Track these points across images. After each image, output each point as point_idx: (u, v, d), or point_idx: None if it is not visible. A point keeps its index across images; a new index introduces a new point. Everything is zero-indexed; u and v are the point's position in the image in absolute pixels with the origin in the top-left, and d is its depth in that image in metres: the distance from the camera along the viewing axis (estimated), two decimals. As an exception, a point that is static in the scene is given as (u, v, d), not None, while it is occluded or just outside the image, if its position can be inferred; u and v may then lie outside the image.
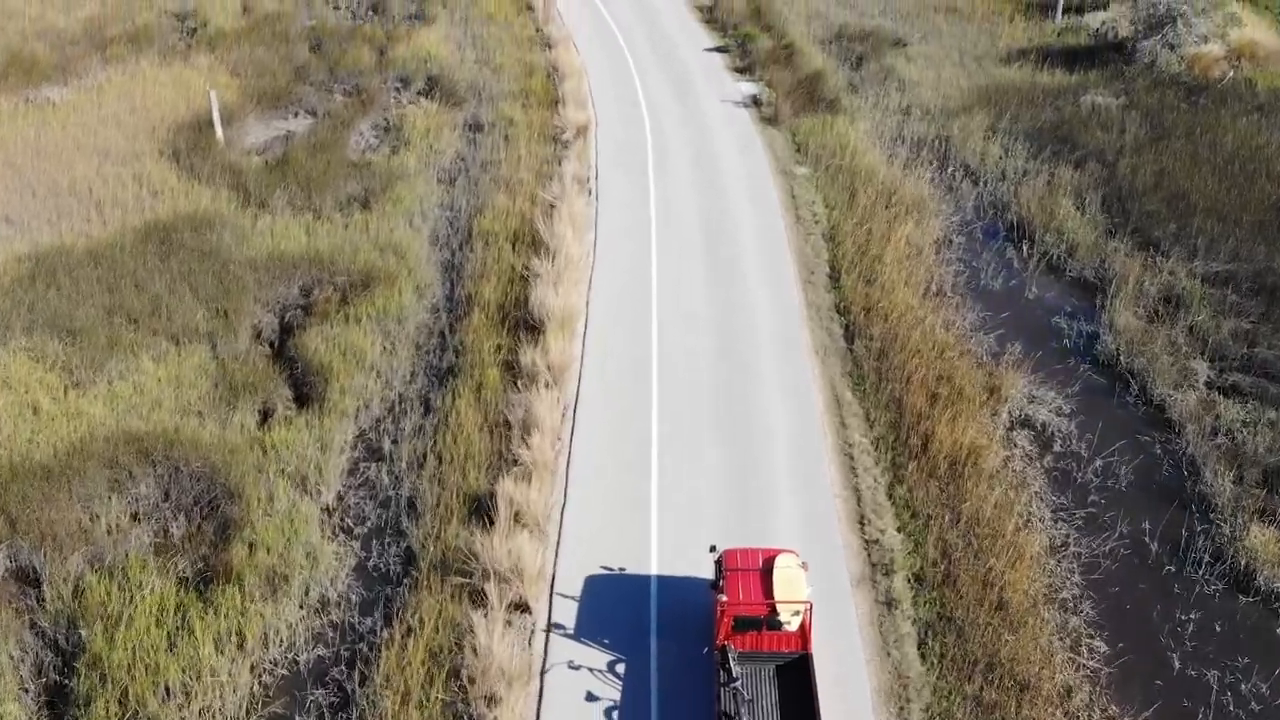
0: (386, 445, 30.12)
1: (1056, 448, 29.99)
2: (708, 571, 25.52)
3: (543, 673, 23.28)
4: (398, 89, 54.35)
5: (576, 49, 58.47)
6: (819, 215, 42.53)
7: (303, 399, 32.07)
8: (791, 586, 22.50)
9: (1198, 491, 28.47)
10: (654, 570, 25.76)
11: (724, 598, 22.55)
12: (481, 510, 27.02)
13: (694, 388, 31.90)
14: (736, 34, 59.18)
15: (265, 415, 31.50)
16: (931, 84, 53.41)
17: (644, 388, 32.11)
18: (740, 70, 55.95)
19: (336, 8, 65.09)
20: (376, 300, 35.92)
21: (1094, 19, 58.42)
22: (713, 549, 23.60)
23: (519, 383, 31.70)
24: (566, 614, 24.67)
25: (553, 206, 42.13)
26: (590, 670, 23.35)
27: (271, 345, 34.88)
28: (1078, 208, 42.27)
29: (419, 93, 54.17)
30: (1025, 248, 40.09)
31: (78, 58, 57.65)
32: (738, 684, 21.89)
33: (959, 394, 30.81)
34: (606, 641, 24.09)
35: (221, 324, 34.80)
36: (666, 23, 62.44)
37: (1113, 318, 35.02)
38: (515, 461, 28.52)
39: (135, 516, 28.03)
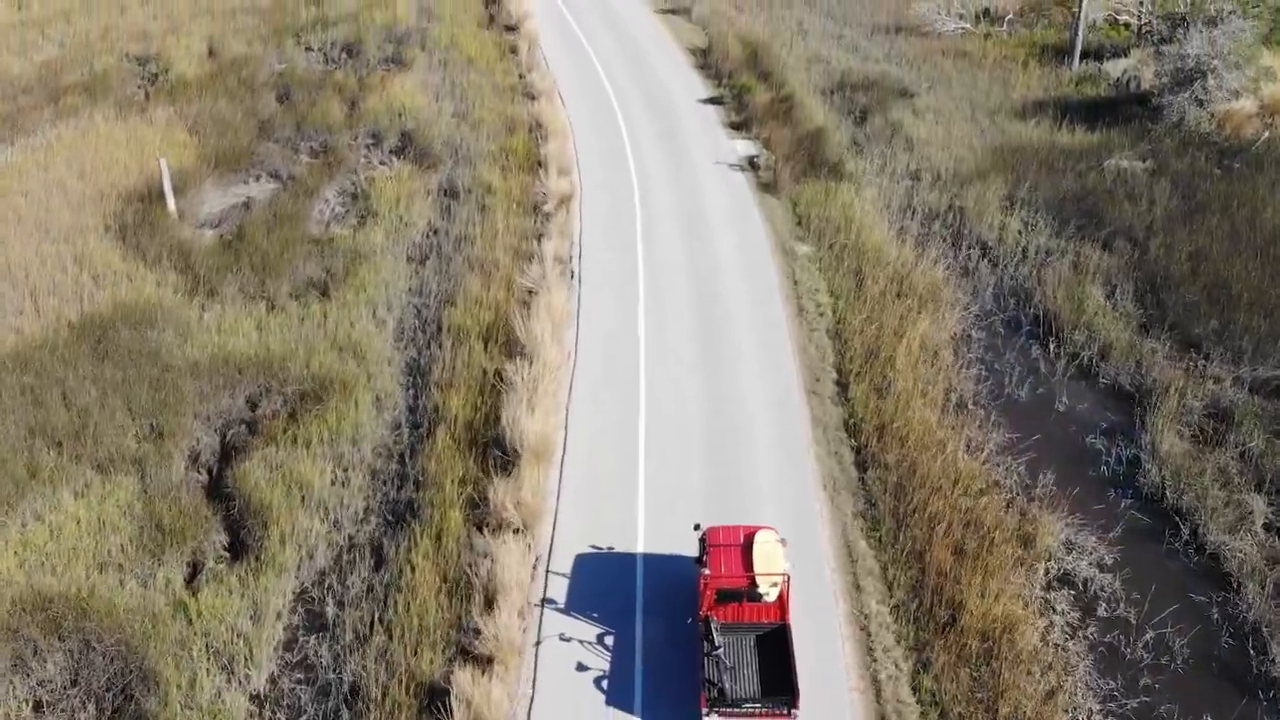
0: (330, 610, 26.25)
1: (1101, 612, 26.18)
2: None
3: None
4: (369, 147, 50.49)
5: (562, 100, 54.62)
6: (823, 305, 38.72)
7: (238, 546, 28.20)
8: (770, 560, 24.12)
9: (1264, 673, 24.67)
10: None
11: (707, 571, 24.16)
12: (435, 706, 23.16)
13: (684, 537, 28.04)
14: (732, 84, 55.34)
15: (194, 569, 27.64)
16: (942, 143, 49.61)
17: (627, 531, 28.28)
18: (736, 126, 52.11)
19: (309, 49, 61.20)
20: (330, 417, 32.07)
21: (1114, 67, 54.66)
22: (697, 527, 25.50)
23: (485, 526, 27.85)
24: None
25: (531, 293, 38.35)
26: None
27: (209, 473, 30.99)
28: (1108, 297, 38.51)
29: (392, 151, 50.33)
30: (1052, 346, 36.28)
31: (29, 109, 53.85)
32: (720, 652, 23.46)
33: (989, 545, 26.99)
34: None
35: (154, 447, 30.95)
36: (658, 67, 58.61)
37: (1154, 439, 31.21)
38: (476, 632, 24.68)
39: (38, 707, 24.19)
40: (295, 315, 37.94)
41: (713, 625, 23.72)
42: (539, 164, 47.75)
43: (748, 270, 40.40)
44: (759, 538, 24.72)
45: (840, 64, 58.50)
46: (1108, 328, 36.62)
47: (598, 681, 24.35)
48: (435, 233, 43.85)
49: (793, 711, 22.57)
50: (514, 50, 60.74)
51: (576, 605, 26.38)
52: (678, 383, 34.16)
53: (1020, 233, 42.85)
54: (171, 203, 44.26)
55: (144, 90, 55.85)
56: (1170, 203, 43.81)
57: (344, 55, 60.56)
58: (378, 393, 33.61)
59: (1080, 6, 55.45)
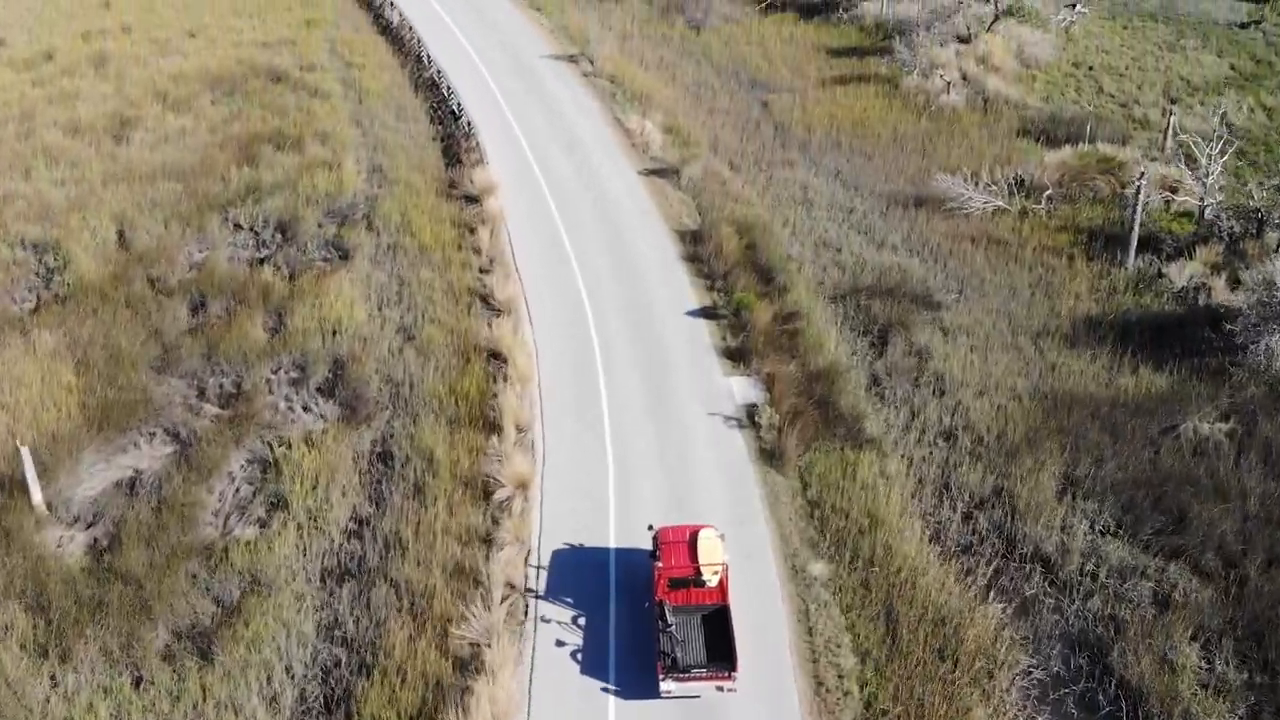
0: None
1: None
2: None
3: None
4: (292, 384, 42.12)
5: (529, 316, 46.13)
6: (846, 674, 30.24)
7: None
8: (711, 552, 29.91)
9: None
10: None
11: (660, 564, 29.77)
12: None
13: None
14: (728, 289, 46.95)
15: None
16: (979, 384, 41.30)
17: None
18: (732, 355, 43.66)
19: (238, 227, 52.82)
20: None
21: (1177, 272, 46.39)
22: (650, 527, 31.68)
23: None
24: None
25: (473, 653, 29.99)
26: None
27: None
28: (1204, 660, 30.18)
29: (319, 389, 41.94)
30: (1144, 752, 27.88)
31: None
32: (672, 629, 28.91)
33: None
34: None
35: None
36: (641, 261, 49.90)
37: None
38: None
39: None
40: (165, 691, 29.52)
41: (666, 608, 29.41)
42: (494, 422, 39.28)
43: (753, 612, 31.75)
44: (702, 534, 30.63)
45: (852, 253, 50.14)
46: (1209, 711, 28.30)
47: None
48: (360, 529, 35.48)
49: (732, 674, 28.38)
50: (471, 229, 52.30)
51: None
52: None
53: (1086, 536, 34.50)
54: (37, 494, 35.89)
55: (33, 297, 47.45)
56: (1264, 487, 35.58)
57: (277, 236, 52.14)
58: None
59: (1138, 196, 47.21)
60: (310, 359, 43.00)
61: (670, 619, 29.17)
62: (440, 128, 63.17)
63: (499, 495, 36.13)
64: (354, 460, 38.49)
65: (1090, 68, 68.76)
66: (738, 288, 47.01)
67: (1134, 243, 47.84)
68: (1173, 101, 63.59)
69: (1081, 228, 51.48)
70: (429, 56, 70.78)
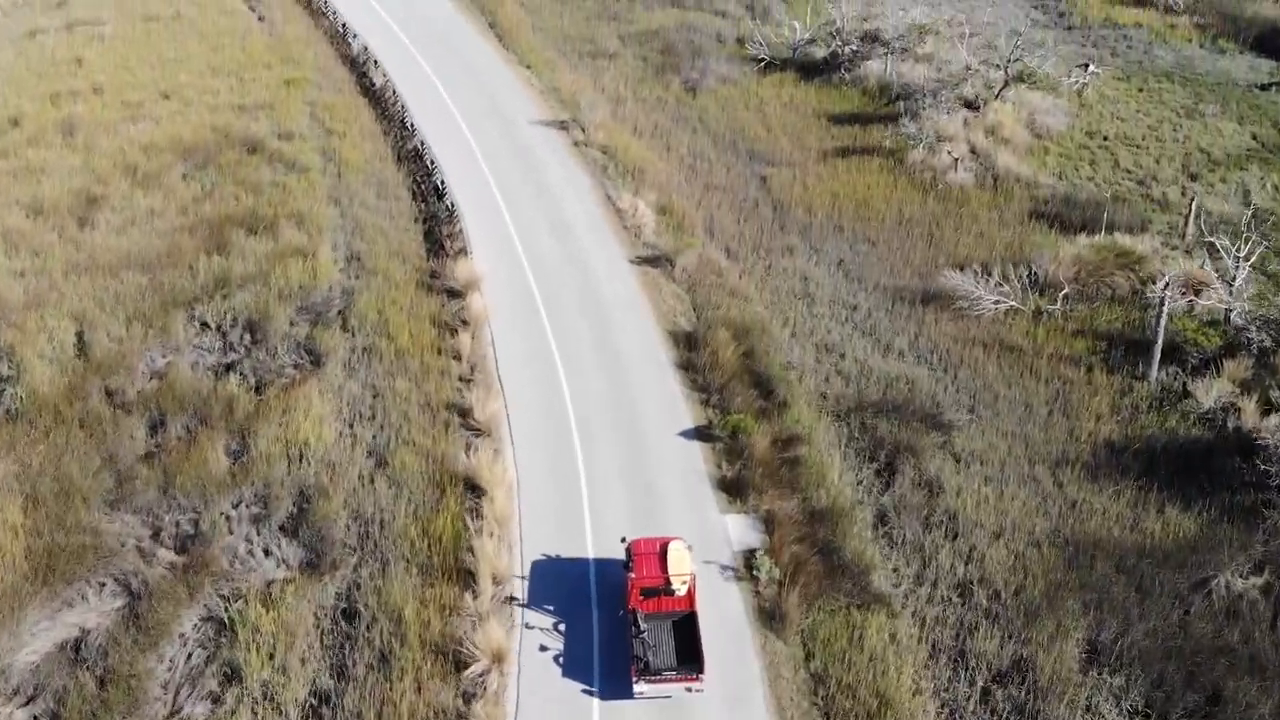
0: None
1: None
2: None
3: None
4: (254, 523, 39.12)
5: (510, 438, 43.11)
6: None
7: None
8: (680, 563, 32.74)
9: None
10: None
11: (633, 575, 32.71)
12: None
13: None
14: (724, 410, 43.89)
15: None
16: (994, 523, 38.38)
17: None
18: (728, 487, 40.62)
19: (204, 326, 49.81)
20: None
21: (1204, 391, 43.38)
22: (623, 540, 34.72)
23: None
24: None
25: None
26: None
27: None
28: None
29: (281, 528, 38.93)
30: None
31: None
32: (645, 635, 31.87)
33: None
34: None
35: None
36: (634, 372, 46.49)
37: None
38: None
39: None
40: None
41: (639, 616, 32.06)
42: (469, 576, 36.28)
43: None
44: (672, 546, 32.99)
45: (856, 359, 47.14)
46: None
47: None
48: (320, 707, 32.52)
49: (700, 675, 31.09)
50: (453, 330, 49.28)
51: None
52: None
53: (1115, 718, 31.51)
54: (-32, 665, 32.83)
55: (-19, 415, 44.45)
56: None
57: (246, 338, 49.10)
58: None
59: (1161, 309, 44.26)
60: (274, 491, 40.03)
61: (642, 625, 32.21)
62: (423, 205, 60.19)
63: (472, 670, 33.07)
64: (316, 618, 35.50)
65: (1105, 138, 65.74)
66: (734, 404, 44.00)
67: (1157, 355, 44.86)
68: (1193, 178, 60.64)
69: (1100, 332, 48.45)
70: (413, 124, 67.77)
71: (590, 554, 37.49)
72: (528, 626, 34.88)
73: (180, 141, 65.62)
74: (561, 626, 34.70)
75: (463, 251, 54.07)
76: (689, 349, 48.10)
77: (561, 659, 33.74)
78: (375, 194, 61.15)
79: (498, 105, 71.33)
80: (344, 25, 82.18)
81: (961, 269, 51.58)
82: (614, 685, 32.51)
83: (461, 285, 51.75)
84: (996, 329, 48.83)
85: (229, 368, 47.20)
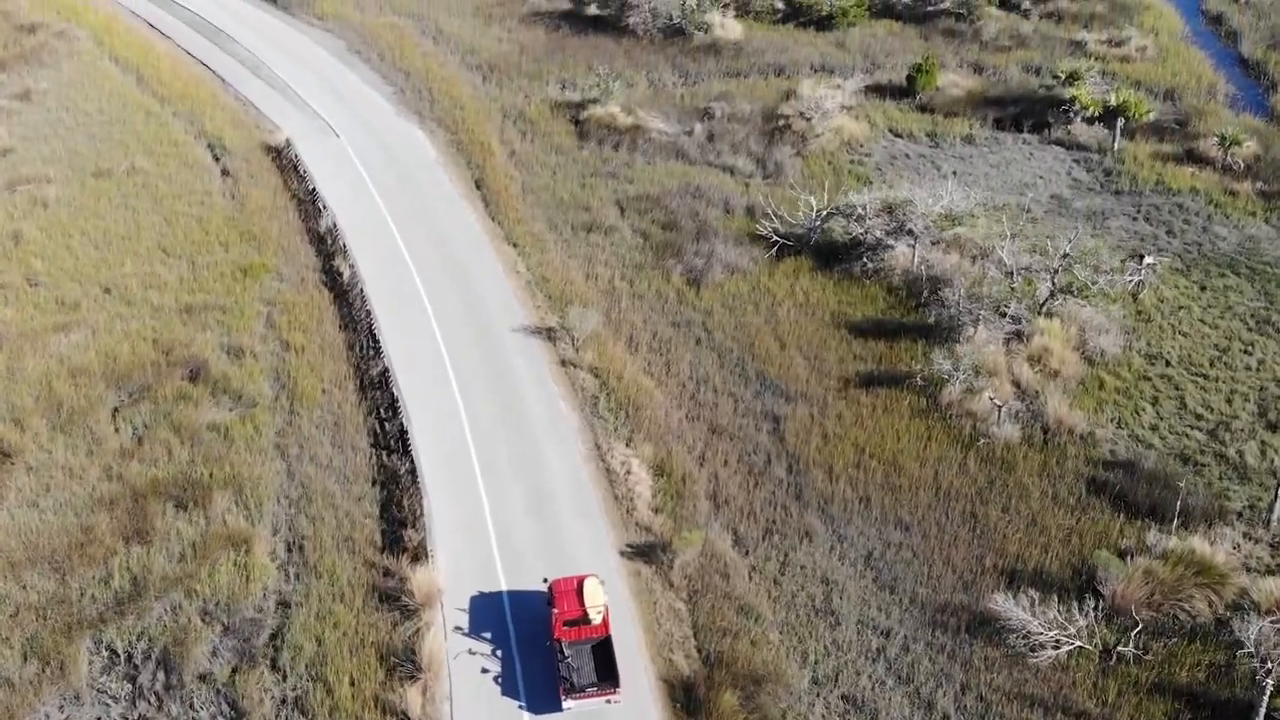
0: None
1: None
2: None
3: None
4: None
5: None
6: None
7: None
8: (595, 595, 39.42)
9: None
10: None
11: (556, 610, 39.20)
12: None
13: None
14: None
15: None
16: None
17: None
18: None
19: (112, 653, 41.91)
20: None
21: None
22: (545, 580, 41.47)
23: None
24: None
25: None
26: None
27: None
28: None
29: None
30: None
31: None
32: (569, 659, 38.64)
33: None
34: None
35: None
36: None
37: None
38: None
39: None
40: None
41: (563, 644, 39.20)
42: None
43: None
44: (587, 582, 39.97)
45: (860, 619, 38.98)
46: None
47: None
48: None
49: (617, 689, 38.22)
50: (405, 681, 40.97)
51: None
52: None
53: None
54: None
55: None
56: None
57: (159, 678, 41.25)
58: None
59: (1266, 680, 35.93)
60: None
61: (566, 651, 38.91)
62: (383, 459, 52.20)
63: None
64: None
65: (1168, 362, 57.50)
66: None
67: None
68: (1272, 428, 52.39)
69: (1181, 687, 40.13)
70: (380, 336, 59.90)
71: None
72: None
73: (115, 362, 57.91)
74: None
75: (422, 551, 45.98)
76: (688, 712, 39.83)
77: None
78: (330, 440, 53.26)
79: (479, 303, 63.43)
80: (313, 191, 74.14)
81: (1012, 580, 43.49)
82: None
83: (418, 601, 43.68)
84: (1058, 680, 40.63)
85: (131, 738, 39.23)
